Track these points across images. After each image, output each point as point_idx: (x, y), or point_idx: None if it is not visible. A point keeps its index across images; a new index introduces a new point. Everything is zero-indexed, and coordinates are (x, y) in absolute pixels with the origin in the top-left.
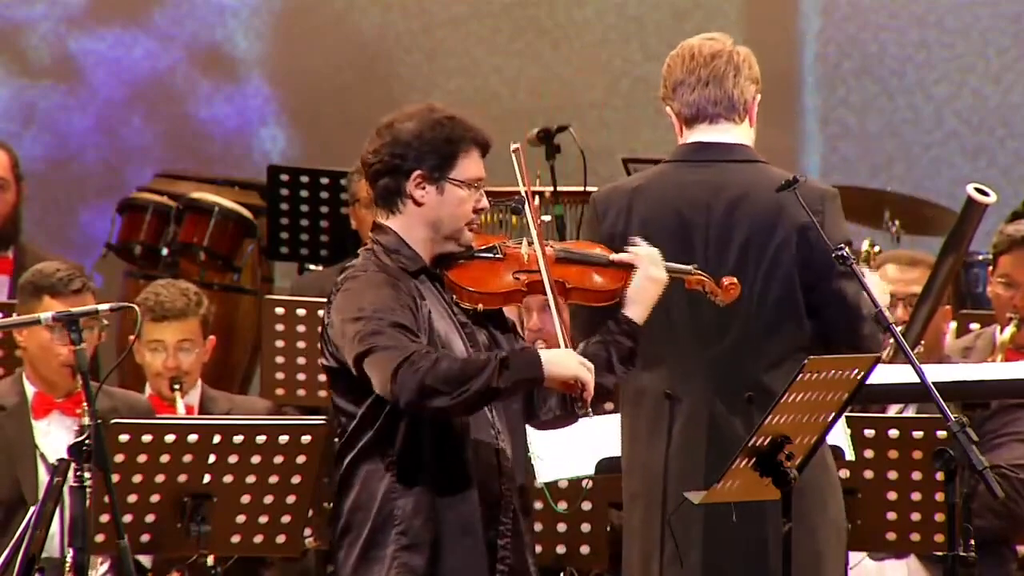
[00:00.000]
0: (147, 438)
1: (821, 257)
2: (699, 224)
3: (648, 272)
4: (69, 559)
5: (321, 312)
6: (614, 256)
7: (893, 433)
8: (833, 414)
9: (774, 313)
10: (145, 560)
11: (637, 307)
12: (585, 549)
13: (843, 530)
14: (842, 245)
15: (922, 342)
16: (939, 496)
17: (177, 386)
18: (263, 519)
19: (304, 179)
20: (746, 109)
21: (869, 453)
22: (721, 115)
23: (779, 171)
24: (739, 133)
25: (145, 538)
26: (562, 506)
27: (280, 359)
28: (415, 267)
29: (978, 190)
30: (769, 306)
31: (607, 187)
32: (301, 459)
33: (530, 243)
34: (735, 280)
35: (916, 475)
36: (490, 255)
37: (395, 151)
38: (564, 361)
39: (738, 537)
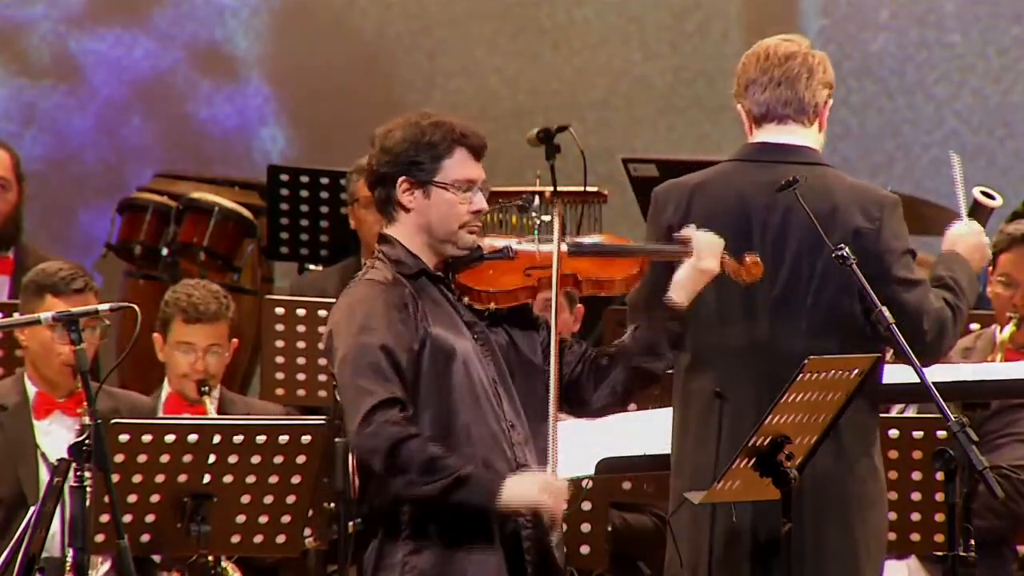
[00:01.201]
0: (147, 438)
1: (876, 263)
2: (757, 223)
3: (700, 263)
4: (69, 559)
5: (322, 312)
6: (682, 233)
7: (893, 433)
8: (833, 414)
9: (828, 316)
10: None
11: (682, 292)
12: (585, 549)
13: (883, 539)
14: (842, 246)
15: None
16: (939, 496)
17: (205, 388)
18: (263, 519)
19: (304, 179)
20: (816, 112)
21: None
22: (790, 116)
23: (841, 173)
24: (807, 135)
25: (145, 538)
26: None
27: (280, 359)
28: (413, 271)
29: (984, 193)
30: (822, 309)
31: (668, 182)
32: (301, 459)
33: (542, 241)
34: (757, 259)
35: (916, 475)
36: (501, 256)
37: (383, 160)
38: (525, 492)
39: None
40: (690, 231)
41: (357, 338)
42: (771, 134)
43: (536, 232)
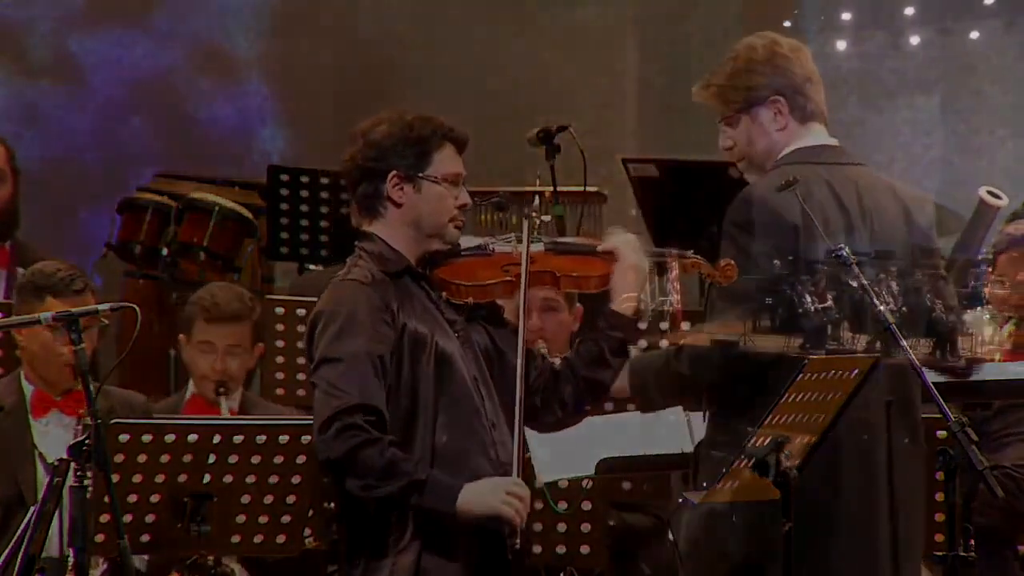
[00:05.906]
0: (147, 438)
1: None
2: (855, 224)
3: (628, 260)
4: (70, 559)
5: None
6: (600, 246)
7: None
8: (833, 414)
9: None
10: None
11: (627, 300)
12: (585, 549)
13: None
14: (842, 245)
15: None
16: (939, 496)
17: (222, 389)
18: (263, 519)
19: (304, 179)
20: None
21: None
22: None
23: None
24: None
25: (145, 538)
26: (562, 506)
27: (280, 359)
28: (398, 268)
29: (990, 193)
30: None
31: (762, 186)
32: (301, 459)
33: (519, 240)
34: (731, 262)
35: None
36: (479, 252)
37: (369, 155)
38: (484, 500)
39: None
40: (612, 240)
41: (338, 342)
42: (820, 135)
43: (536, 232)
